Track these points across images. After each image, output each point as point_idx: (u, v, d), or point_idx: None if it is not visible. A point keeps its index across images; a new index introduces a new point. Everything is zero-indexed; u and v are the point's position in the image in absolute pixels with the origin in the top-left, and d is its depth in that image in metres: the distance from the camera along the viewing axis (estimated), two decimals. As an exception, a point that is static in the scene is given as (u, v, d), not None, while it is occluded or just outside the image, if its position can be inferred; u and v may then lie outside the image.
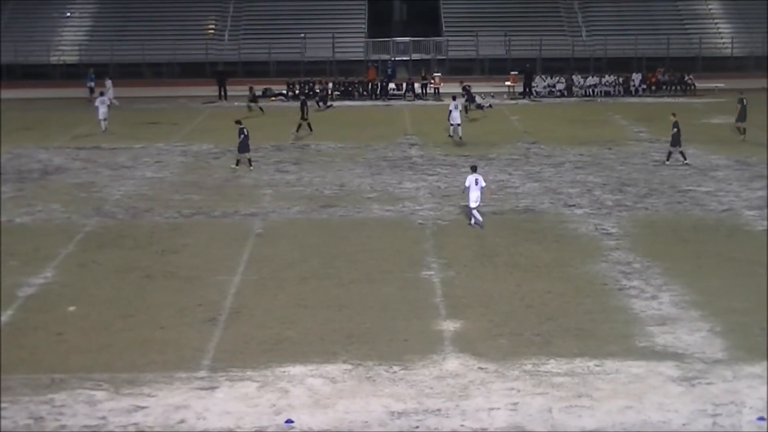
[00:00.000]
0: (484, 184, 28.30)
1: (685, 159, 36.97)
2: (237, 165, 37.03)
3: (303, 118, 44.22)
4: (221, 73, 57.65)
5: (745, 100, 42.84)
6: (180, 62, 65.26)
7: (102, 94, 47.38)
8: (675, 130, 36.85)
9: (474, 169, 28.59)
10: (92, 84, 56.85)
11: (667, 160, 37.21)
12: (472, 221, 28.27)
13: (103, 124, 45.21)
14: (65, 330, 20.80)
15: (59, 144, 42.67)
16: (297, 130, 44.09)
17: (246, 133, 36.58)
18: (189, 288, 23.43)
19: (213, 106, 54.54)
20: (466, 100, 49.16)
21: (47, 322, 21.24)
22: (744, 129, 42.10)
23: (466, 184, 28.31)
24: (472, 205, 28.14)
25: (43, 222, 29.83)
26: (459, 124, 42.25)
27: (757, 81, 57.95)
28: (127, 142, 42.65)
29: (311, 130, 44.20)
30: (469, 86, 51.77)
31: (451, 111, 42.24)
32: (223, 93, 56.17)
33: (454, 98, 43.15)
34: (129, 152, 40.66)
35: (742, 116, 42.25)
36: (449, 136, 42.52)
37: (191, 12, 69.31)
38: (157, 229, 28.78)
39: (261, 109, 50.77)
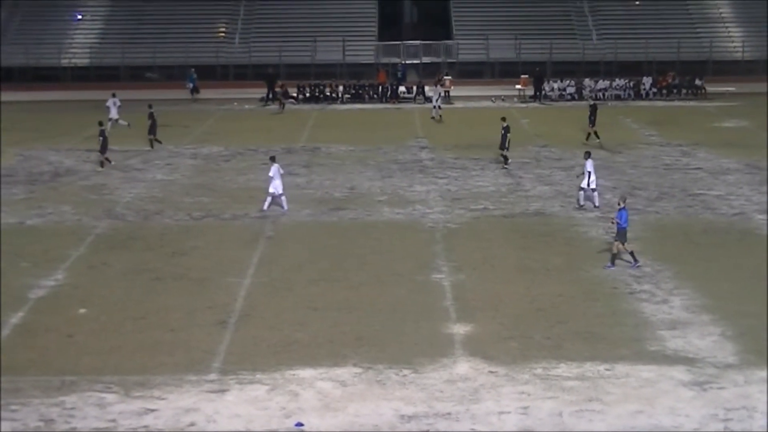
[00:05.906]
0: (282, 172, 31.29)
1: (507, 164, 37.35)
2: (102, 167, 37.41)
3: (151, 133, 41.90)
4: (270, 76, 57.70)
5: (597, 104, 43.70)
6: (191, 65, 65.27)
7: (113, 95, 46.99)
8: (503, 133, 37.27)
9: (273, 159, 31.33)
10: (192, 84, 57.00)
11: (506, 164, 37.40)
12: (266, 206, 30.64)
13: (114, 123, 45.25)
14: (75, 332, 20.83)
15: (70, 146, 42.75)
16: (152, 146, 42.01)
17: (105, 135, 37.66)
18: (199, 290, 23.44)
19: (267, 109, 54.54)
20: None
21: (58, 324, 21.27)
22: (596, 132, 42.19)
23: (270, 174, 30.73)
24: (279, 191, 30.69)
25: (54, 224, 29.89)
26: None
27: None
28: (138, 144, 42.68)
29: (152, 146, 41.98)
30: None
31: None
32: (270, 95, 56.32)
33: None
34: (139, 155, 40.72)
35: (592, 120, 42.25)
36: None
37: (202, 15, 69.41)
38: (167, 232, 28.81)
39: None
